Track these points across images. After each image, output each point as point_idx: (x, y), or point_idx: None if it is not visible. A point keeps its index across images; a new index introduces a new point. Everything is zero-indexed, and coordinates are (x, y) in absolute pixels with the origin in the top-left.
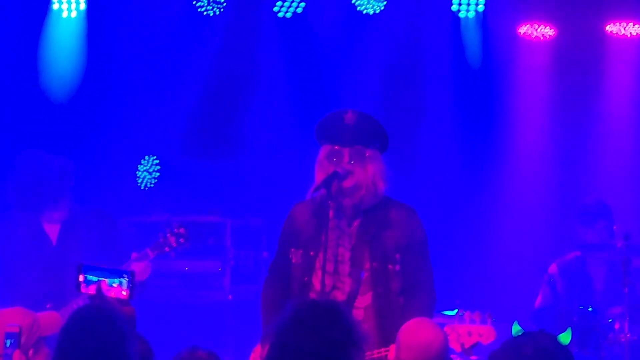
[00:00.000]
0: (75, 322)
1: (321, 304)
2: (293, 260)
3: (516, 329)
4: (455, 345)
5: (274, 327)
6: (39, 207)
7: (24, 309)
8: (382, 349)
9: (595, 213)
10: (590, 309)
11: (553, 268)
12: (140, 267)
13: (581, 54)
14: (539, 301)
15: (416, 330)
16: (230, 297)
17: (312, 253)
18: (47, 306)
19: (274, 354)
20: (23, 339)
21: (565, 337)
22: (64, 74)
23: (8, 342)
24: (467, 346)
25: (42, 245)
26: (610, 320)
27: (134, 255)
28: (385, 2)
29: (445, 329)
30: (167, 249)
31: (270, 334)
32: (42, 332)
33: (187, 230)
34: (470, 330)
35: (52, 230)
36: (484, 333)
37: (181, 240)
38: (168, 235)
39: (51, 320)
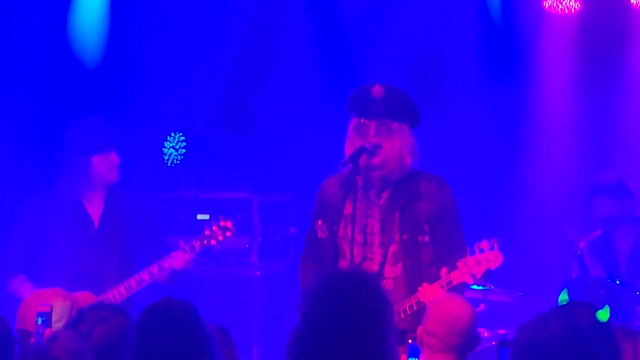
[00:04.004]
0: (154, 315)
1: (352, 274)
2: (319, 234)
3: (564, 296)
4: (467, 278)
5: (303, 297)
6: (82, 186)
7: (63, 291)
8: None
9: (617, 189)
10: (618, 282)
11: (582, 244)
12: (186, 259)
13: (607, 28)
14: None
15: (445, 303)
16: (258, 273)
17: (335, 227)
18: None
19: (304, 323)
20: (63, 322)
21: (603, 315)
22: (90, 51)
23: (39, 320)
24: (478, 276)
25: (85, 228)
26: (638, 293)
27: (181, 245)
28: None
29: (458, 264)
30: (213, 241)
31: (300, 304)
32: None
33: (233, 223)
34: (478, 259)
35: (95, 213)
36: (491, 258)
37: (227, 233)
38: (214, 228)
39: (88, 302)
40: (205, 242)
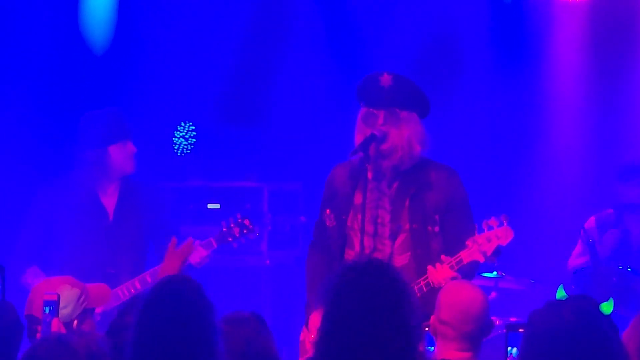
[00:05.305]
0: (162, 290)
1: (368, 265)
2: (327, 223)
3: (561, 293)
4: (478, 256)
5: (325, 293)
6: (96, 176)
7: (74, 279)
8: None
9: (637, 172)
10: (629, 269)
11: (591, 222)
12: (202, 255)
13: (619, 14)
14: (575, 255)
15: (457, 290)
16: (268, 261)
17: (343, 216)
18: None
19: (327, 319)
20: (69, 309)
21: (607, 307)
22: (100, 40)
23: (47, 309)
24: (489, 253)
25: (100, 220)
26: None
27: (197, 243)
28: None
29: (467, 242)
30: (230, 239)
31: (322, 300)
32: (90, 304)
33: (251, 221)
34: (488, 236)
35: (109, 204)
36: (501, 235)
37: (244, 231)
38: (232, 225)
39: (100, 293)
40: (222, 240)
